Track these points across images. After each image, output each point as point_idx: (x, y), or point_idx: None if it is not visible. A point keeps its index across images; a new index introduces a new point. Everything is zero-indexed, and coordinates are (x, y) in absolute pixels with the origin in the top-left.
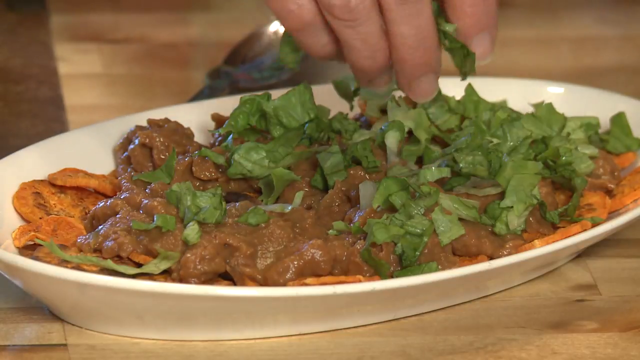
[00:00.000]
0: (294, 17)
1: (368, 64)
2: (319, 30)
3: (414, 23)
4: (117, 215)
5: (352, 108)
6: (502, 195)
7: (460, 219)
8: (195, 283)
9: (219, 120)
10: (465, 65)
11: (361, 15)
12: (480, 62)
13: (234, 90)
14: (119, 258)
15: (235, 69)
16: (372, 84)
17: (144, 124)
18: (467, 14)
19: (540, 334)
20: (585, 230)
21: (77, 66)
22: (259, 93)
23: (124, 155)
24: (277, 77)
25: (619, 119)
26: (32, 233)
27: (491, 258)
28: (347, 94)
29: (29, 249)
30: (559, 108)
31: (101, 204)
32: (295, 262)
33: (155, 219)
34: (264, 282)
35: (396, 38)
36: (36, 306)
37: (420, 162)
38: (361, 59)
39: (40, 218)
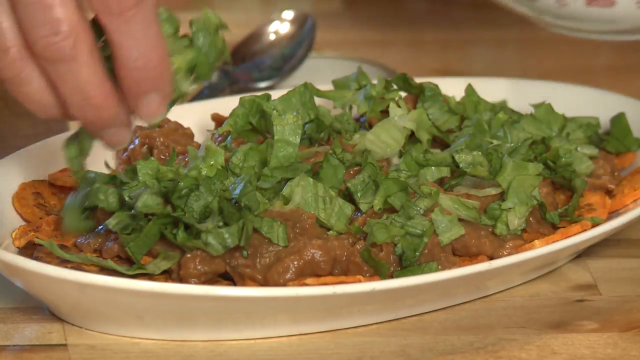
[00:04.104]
0: None
1: (45, 117)
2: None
3: (72, 84)
4: None
5: (351, 108)
6: (502, 196)
7: (460, 219)
8: (195, 283)
9: (219, 120)
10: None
11: (14, 75)
12: (149, 122)
13: (234, 90)
14: (119, 258)
15: (235, 68)
16: (101, 137)
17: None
18: (126, 77)
19: (540, 334)
20: (585, 230)
21: None
22: (259, 93)
23: (124, 155)
24: (276, 78)
25: (619, 119)
26: (32, 233)
27: (491, 258)
28: None
29: (29, 249)
30: (559, 108)
31: None
32: (295, 262)
33: None
34: (264, 282)
35: (60, 97)
36: (36, 306)
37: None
38: (37, 113)
39: (41, 218)
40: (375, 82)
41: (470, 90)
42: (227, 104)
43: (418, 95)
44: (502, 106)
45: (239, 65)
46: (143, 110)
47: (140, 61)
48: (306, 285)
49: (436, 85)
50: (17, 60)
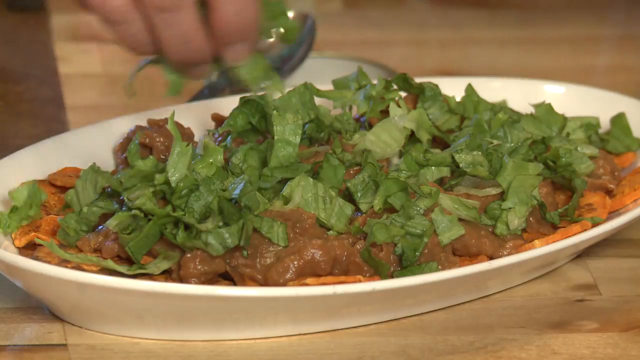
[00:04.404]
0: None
1: (138, 53)
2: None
3: (176, 30)
4: None
5: (351, 108)
6: (502, 196)
7: (460, 219)
8: (195, 283)
9: (219, 120)
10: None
11: (120, 18)
12: (232, 64)
13: (234, 90)
14: (119, 258)
15: None
16: (186, 73)
17: (144, 124)
18: (224, 27)
19: (540, 334)
20: (585, 230)
21: (77, 66)
22: (259, 93)
23: (124, 155)
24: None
25: (619, 119)
26: (32, 233)
27: (491, 258)
28: None
29: (29, 249)
30: (559, 108)
31: None
32: (295, 262)
33: None
34: (264, 282)
35: (161, 40)
36: (36, 306)
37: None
38: (131, 50)
39: (40, 218)
40: (375, 82)
41: (470, 90)
42: (227, 104)
43: (418, 95)
44: (502, 106)
45: None
46: (230, 55)
47: (236, 16)
48: (306, 285)
49: (436, 85)
50: (126, 3)
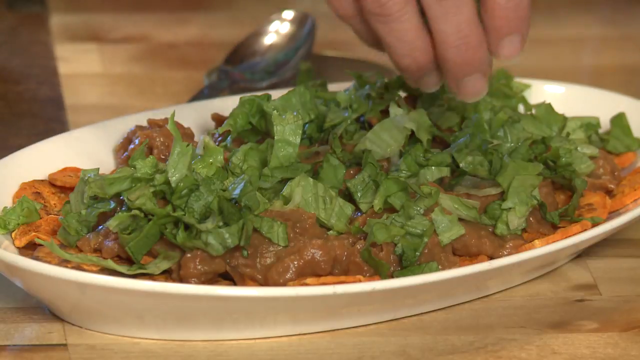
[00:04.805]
0: (336, 8)
1: (407, 63)
2: (361, 21)
3: (454, 20)
4: None
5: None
6: (502, 196)
7: (460, 219)
8: (195, 283)
9: (219, 120)
10: None
11: (393, 12)
12: (507, 61)
13: (234, 90)
14: (119, 258)
15: (233, 68)
16: (419, 83)
17: (144, 124)
18: (498, 16)
19: (540, 334)
20: (585, 230)
21: (77, 66)
22: (259, 93)
23: (124, 155)
24: (268, 80)
25: (619, 119)
26: (33, 233)
27: (491, 258)
28: None
29: (29, 249)
30: (559, 108)
31: None
32: (295, 262)
33: None
34: (264, 282)
35: (437, 36)
36: (36, 306)
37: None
38: (399, 57)
39: (41, 218)
40: (375, 81)
41: None
42: (227, 104)
43: (417, 96)
44: (503, 106)
45: (237, 66)
46: (504, 50)
47: (511, 2)
48: (306, 285)
49: None
50: (393, 3)
